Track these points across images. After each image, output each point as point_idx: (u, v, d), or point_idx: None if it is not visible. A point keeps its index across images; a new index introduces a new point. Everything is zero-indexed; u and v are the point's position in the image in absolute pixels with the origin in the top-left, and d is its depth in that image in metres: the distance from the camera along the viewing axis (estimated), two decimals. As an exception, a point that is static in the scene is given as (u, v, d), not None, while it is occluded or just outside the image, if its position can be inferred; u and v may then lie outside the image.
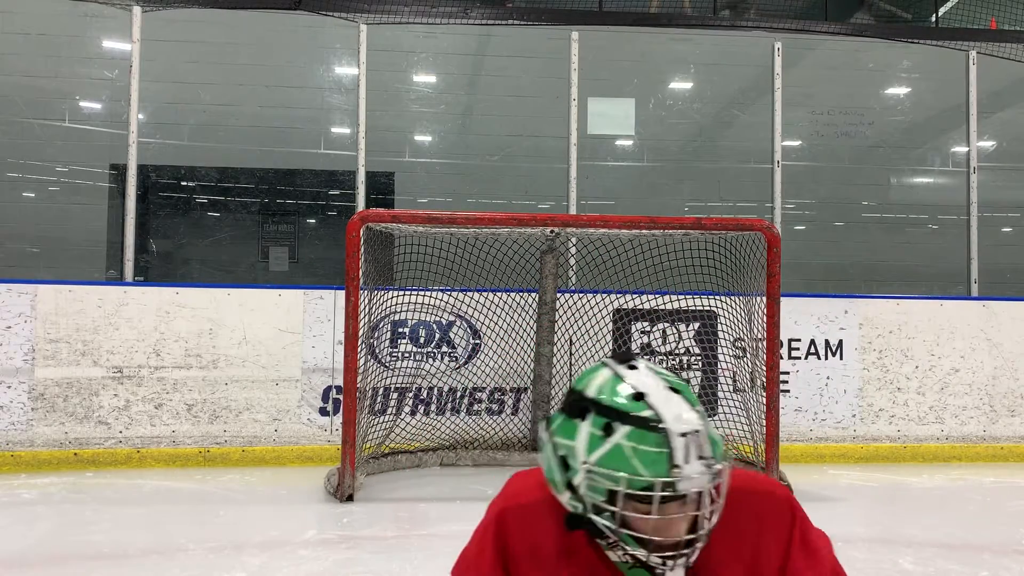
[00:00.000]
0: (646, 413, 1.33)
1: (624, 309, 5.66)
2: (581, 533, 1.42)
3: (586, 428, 1.36)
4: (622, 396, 1.36)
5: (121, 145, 5.92)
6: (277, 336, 5.47)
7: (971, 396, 5.95)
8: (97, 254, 7.05)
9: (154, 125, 7.02)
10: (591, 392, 1.39)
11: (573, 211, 6.28)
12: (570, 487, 1.39)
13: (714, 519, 1.37)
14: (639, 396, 1.35)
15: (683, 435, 1.31)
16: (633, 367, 1.41)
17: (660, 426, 1.32)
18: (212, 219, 7.79)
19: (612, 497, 1.34)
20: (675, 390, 1.37)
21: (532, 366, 5.50)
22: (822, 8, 7.55)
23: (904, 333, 5.92)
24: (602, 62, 7.19)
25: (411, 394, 5.57)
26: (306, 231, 8.05)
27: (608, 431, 1.34)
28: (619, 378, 1.39)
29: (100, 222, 7.09)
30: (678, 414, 1.33)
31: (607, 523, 1.36)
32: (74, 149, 7.09)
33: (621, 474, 1.32)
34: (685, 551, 1.37)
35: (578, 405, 1.39)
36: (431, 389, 5.59)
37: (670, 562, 1.37)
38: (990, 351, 5.98)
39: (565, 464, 1.39)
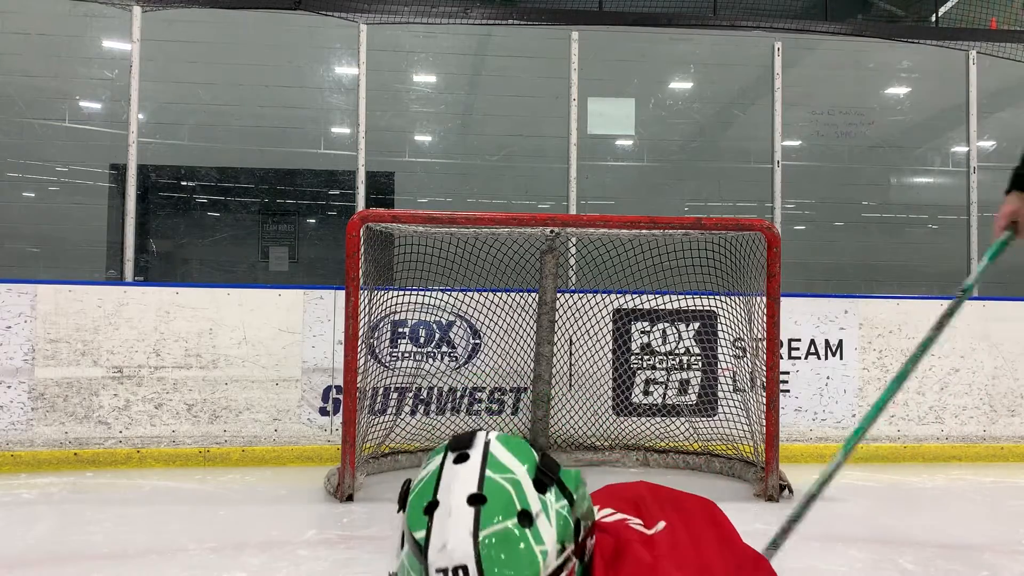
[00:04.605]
0: (420, 535, 1.14)
1: (624, 309, 5.66)
2: None
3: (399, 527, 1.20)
4: (419, 504, 1.16)
5: (121, 145, 5.92)
6: (277, 336, 5.47)
7: (971, 396, 5.95)
8: (97, 254, 7.05)
9: (154, 125, 7.03)
10: (413, 485, 1.21)
11: (573, 211, 6.28)
12: None
13: None
14: (430, 508, 1.15)
15: (440, 571, 1.11)
16: (464, 457, 1.19)
17: (424, 555, 1.13)
18: (212, 219, 7.79)
19: None
20: (475, 500, 1.14)
21: (532, 366, 5.50)
22: (822, 8, 7.54)
23: (904, 333, 5.92)
24: (602, 62, 7.19)
25: (411, 394, 5.57)
26: (306, 231, 8.06)
27: (402, 542, 1.17)
28: (437, 473, 1.19)
29: (100, 222, 7.09)
30: (443, 544, 1.12)
31: None
32: (74, 149, 7.09)
33: None
34: None
35: (401, 495, 1.22)
36: (431, 389, 5.59)
37: None
38: (990, 351, 5.97)
39: None
